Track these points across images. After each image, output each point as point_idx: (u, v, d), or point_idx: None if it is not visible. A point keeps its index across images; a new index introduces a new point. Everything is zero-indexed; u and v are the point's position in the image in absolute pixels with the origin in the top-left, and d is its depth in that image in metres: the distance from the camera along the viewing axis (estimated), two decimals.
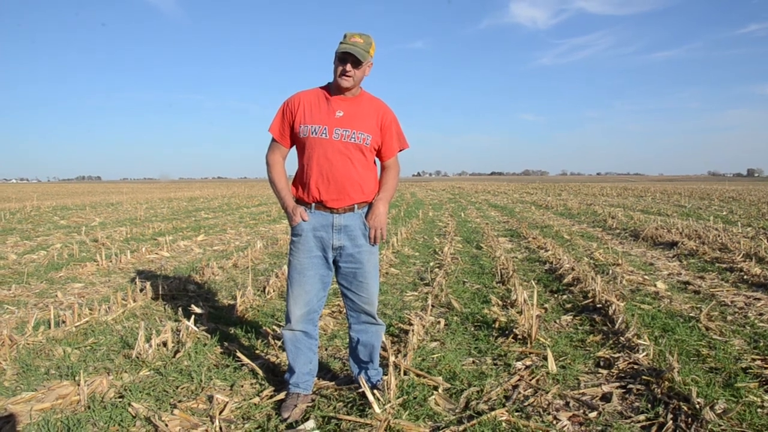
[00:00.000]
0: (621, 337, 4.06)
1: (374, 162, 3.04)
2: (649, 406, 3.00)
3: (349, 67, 2.77)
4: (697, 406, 2.87)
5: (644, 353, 3.67)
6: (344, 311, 4.56)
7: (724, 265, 6.95)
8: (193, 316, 4.32)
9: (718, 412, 2.85)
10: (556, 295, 5.61)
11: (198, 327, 4.20)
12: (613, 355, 3.78)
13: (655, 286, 5.85)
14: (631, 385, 3.27)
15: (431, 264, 7.36)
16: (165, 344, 3.86)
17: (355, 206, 2.91)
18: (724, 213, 15.54)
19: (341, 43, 2.78)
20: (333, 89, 2.91)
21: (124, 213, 17.46)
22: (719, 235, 9.36)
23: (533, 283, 5.91)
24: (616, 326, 4.29)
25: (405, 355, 3.64)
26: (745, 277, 6.27)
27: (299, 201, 2.95)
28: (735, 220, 13.24)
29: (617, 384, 3.32)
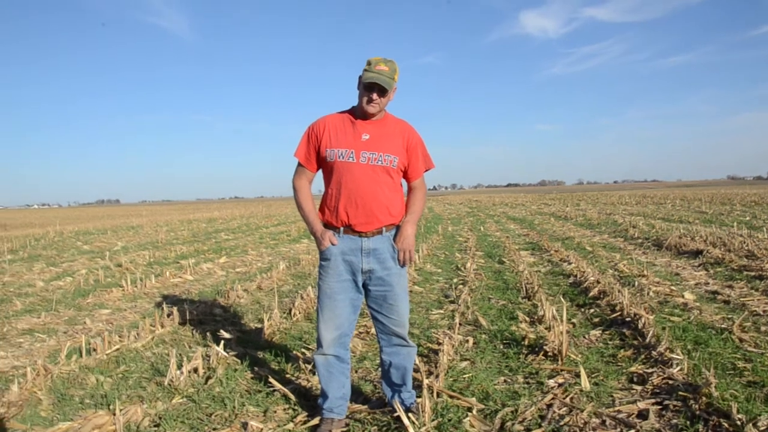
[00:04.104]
0: (653, 351, 4.01)
1: (400, 183, 3.05)
2: (688, 423, 2.95)
3: (375, 96, 2.79)
4: (739, 423, 2.81)
5: (678, 368, 3.62)
6: (372, 332, 4.56)
7: (753, 273, 6.84)
8: (222, 342, 4.34)
9: (762, 428, 2.79)
10: (582, 309, 5.56)
11: (228, 352, 4.20)
12: (646, 370, 3.73)
13: (683, 297, 5.77)
14: (667, 402, 3.22)
15: (455, 281, 7.34)
16: (196, 370, 3.87)
17: (383, 229, 2.91)
18: (748, 218, 15.34)
19: (366, 70, 2.79)
20: (358, 113, 2.92)
21: (145, 236, 17.61)
22: (745, 242, 9.23)
23: (560, 298, 5.86)
24: (647, 340, 4.24)
25: (437, 376, 3.62)
26: None
27: (327, 225, 2.96)
28: (759, 225, 13.05)
29: (653, 400, 3.26)
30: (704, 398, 3.13)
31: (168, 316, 5.36)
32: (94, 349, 4.39)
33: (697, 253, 8.70)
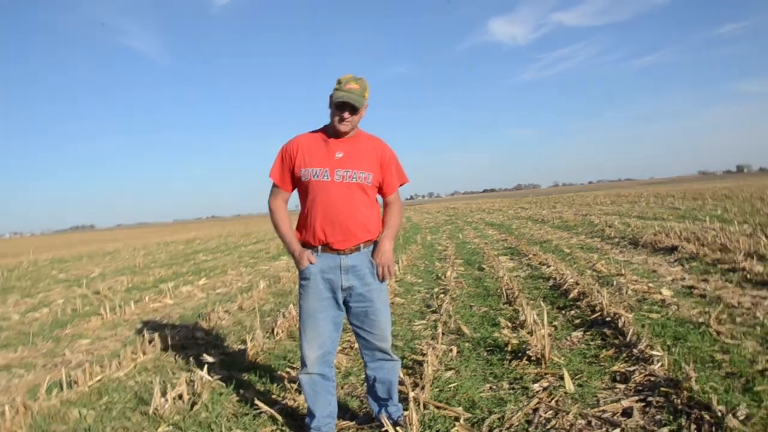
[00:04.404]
0: (634, 349, 4.06)
1: (376, 199, 3.07)
2: (671, 417, 3.01)
3: (347, 114, 2.81)
4: (719, 414, 2.87)
5: (659, 364, 3.68)
6: (356, 347, 4.56)
7: (726, 266, 6.97)
8: (206, 366, 4.30)
9: (741, 418, 2.86)
10: (563, 312, 5.61)
11: (212, 376, 4.17)
12: (628, 368, 3.78)
13: (660, 293, 5.86)
14: (650, 398, 3.28)
15: (436, 290, 7.36)
16: (181, 397, 3.82)
17: (361, 246, 2.93)
18: (719, 212, 15.60)
19: (336, 90, 2.81)
20: (331, 132, 2.94)
21: (123, 261, 17.41)
22: (717, 236, 9.40)
23: (540, 302, 5.91)
24: (628, 338, 4.30)
25: (422, 388, 3.64)
26: (748, 276, 6.29)
27: (305, 244, 2.96)
28: (731, 218, 13.30)
29: (636, 398, 3.32)
30: (685, 392, 3.19)
31: (150, 342, 5.30)
32: (75, 382, 4.33)
33: (673, 249, 8.84)
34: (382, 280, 2.99)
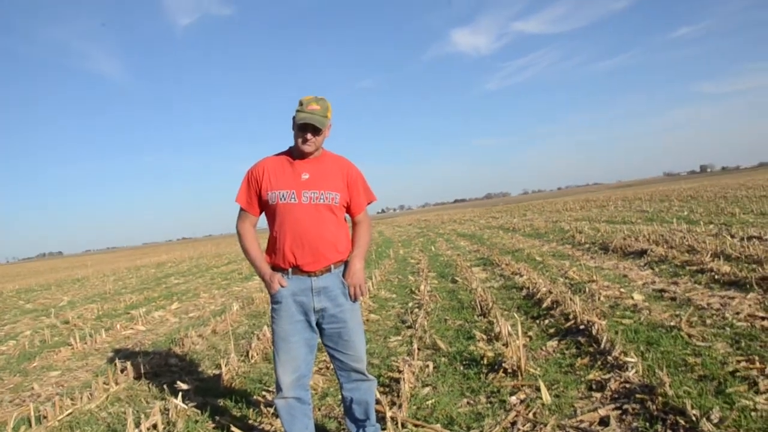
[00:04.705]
0: (608, 357, 4.09)
1: (344, 218, 3.06)
2: (647, 424, 3.04)
3: (309, 135, 2.81)
4: (694, 419, 2.91)
5: (634, 371, 3.71)
6: (332, 367, 4.51)
7: (695, 268, 7.09)
8: (180, 393, 4.22)
9: (715, 421, 2.89)
10: (537, 321, 5.64)
11: (187, 404, 4.09)
12: (603, 376, 3.80)
13: (632, 298, 5.93)
14: (626, 405, 3.30)
15: (410, 305, 7.35)
16: (155, 427, 3.74)
17: (332, 266, 2.91)
18: (685, 213, 15.91)
19: (298, 111, 2.81)
20: (295, 153, 2.93)
21: (92, 288, 17.07)
22: (685, 237, 9.58)
23: (514, 313, 5.93)
24: (602, 346, 4.33)
25: (400, 406, 3.61)
26: (716, 277, 6.41)
27: (275, 267, 2.94)
28: (697, 219, 13.57)
29: (612, 406, 3.34)
30: (660, 398, 3.22)
31: (122, 371, 5.20)
32: (45, 417, 4.22)
33: (642, 252, 8.96)
34: (355, 300, 2.97)
